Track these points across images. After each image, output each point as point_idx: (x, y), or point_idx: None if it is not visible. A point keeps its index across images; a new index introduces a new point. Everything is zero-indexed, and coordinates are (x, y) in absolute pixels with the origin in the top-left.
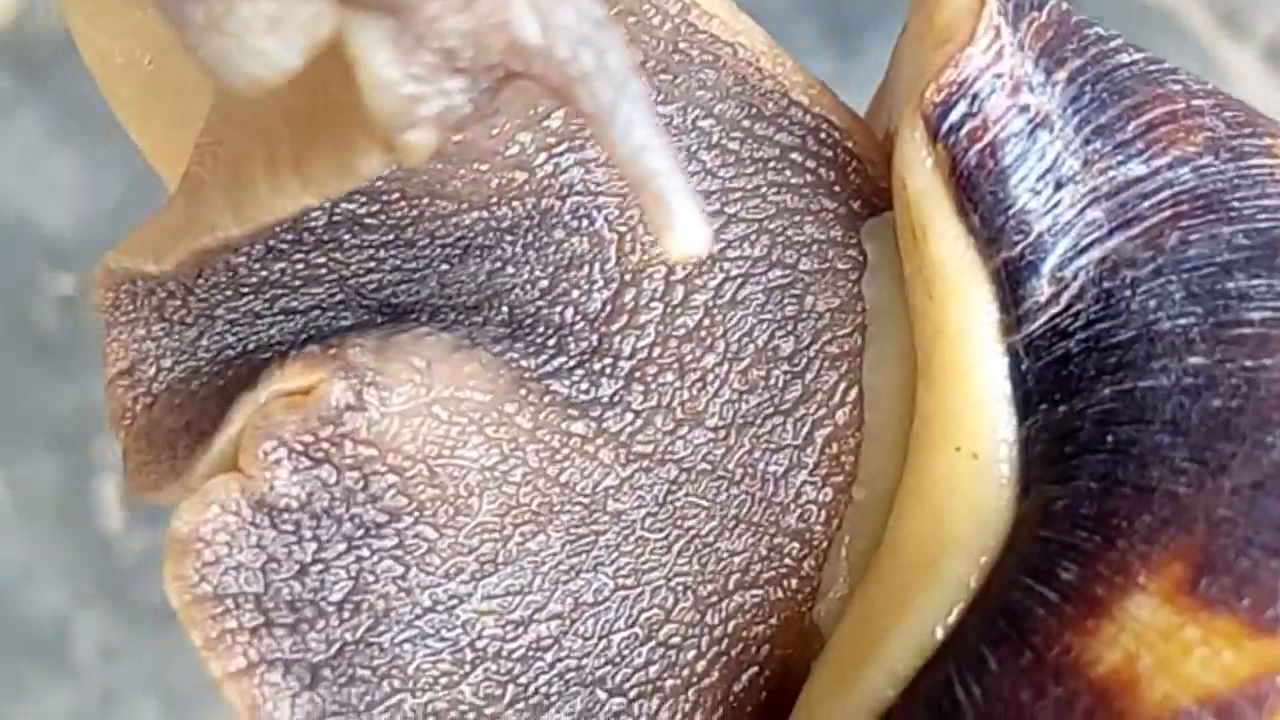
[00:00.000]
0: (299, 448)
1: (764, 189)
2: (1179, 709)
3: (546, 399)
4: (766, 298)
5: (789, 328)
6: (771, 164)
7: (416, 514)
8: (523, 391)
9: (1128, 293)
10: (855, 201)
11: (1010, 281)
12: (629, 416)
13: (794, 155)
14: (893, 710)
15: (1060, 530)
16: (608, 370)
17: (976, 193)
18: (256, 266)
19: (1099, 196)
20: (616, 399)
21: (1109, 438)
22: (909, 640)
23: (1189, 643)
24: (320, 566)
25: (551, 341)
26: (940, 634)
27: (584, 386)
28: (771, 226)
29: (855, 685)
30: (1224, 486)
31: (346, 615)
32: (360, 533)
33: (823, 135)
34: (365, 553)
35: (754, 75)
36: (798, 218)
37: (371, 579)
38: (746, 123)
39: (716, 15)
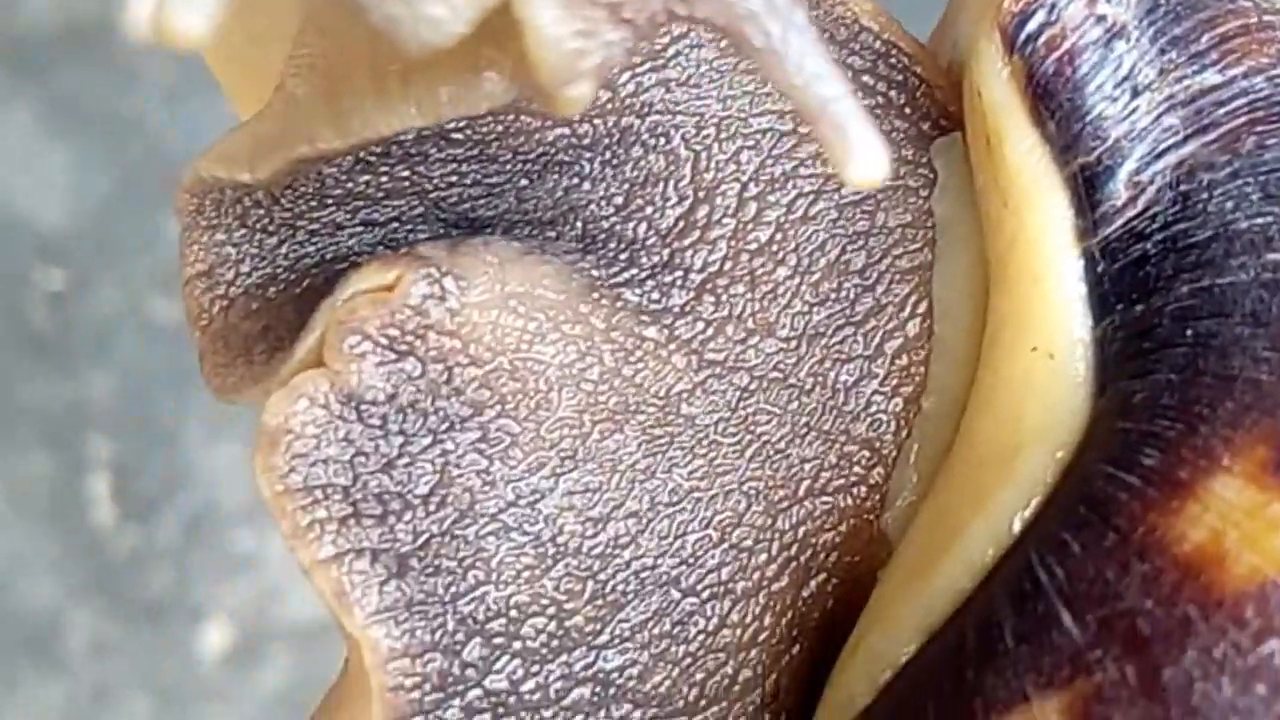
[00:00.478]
0: (384, 341)
1: None
2: (1266, 580)
3: (619, 304)
4: (839, 214)
5: (860, 243)
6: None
7: (499, 407)
8: (595, 295)
9: (1205, 195)
10: (924, 122)
11: (1087, 187)
12: (700, 325)
13: (865, 79)
14: (972, 599)
15: (1140, 420)
16: (679, 282)
17: (1053, 101)
18: (344, 178)
19: (1175, 104)
20: (688, 309)
21: (1188, 332)
22: (986, 533)
23: (1274, 519)
24: (406, 460)
25: (624, 255)
26: (1018, 526)
27: (655, 296)
28: None
29: (931, 581)
30: None
31: (432, 508)
32: (445, 426)
33: (892, 60)
34: (450, 446)
35: (826, 2)
36: None
37: (456, 473)
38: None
39: None
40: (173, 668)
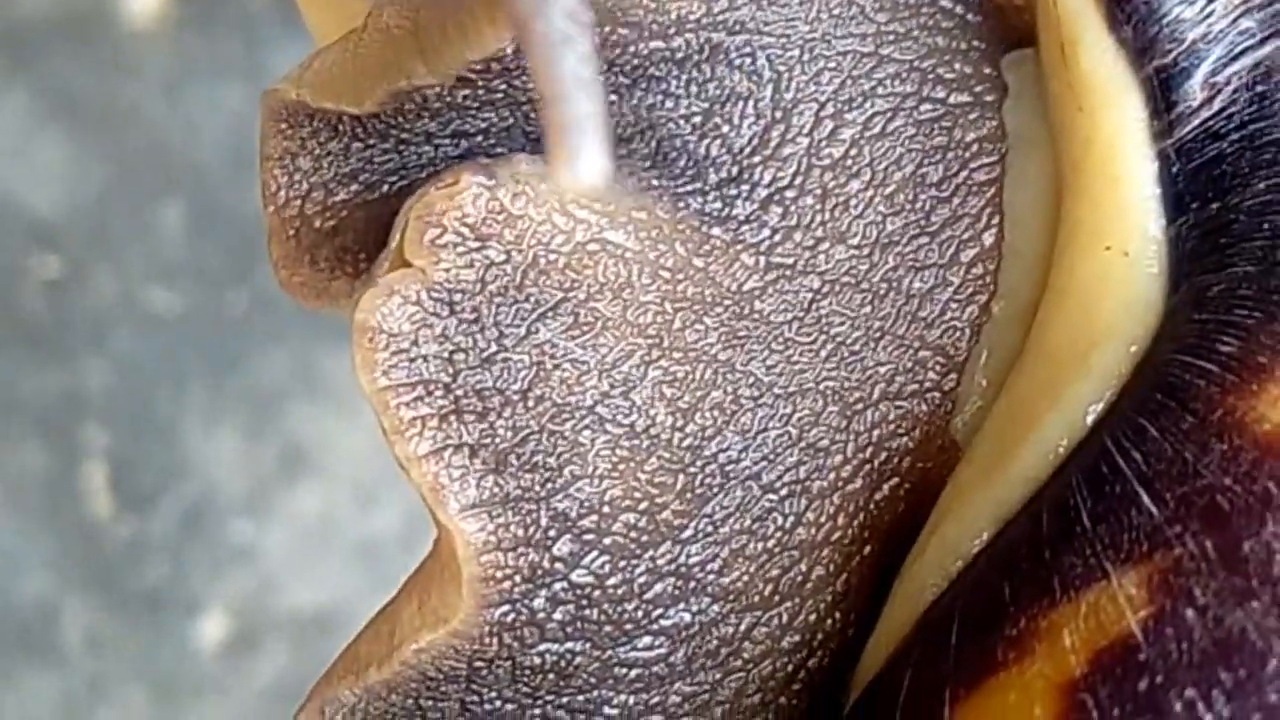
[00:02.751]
0: (464, 231)
1: (915, 31)
2: None
3: (681, 205)
4: (916, 129)
5: (937, 157)
6: (923, 8)
7: (585, 289)
8: (659, 195)
9: None
10: (996, 38)
11: (1162, 88)
12: (766, 231)
13: (943, 1)
14: (1045, 488)
15: (1217, 311)
16: (744, 194)
17: (1129, 5)
18: (444, 92)
19: (1251, 7)
20: (752, 217)
21: (1265, 226)
22: (1061, 424)
23: None
24: (503, 353)
25: (691, 170)
26: (1091, 418)
27: (718, 205)
28: (922, 65)
29: (1005, 473)
30: None
31: (530, 403)
32: (536, 312)
33: None
34: (543, 334)
35: None
36: (947, 57)
37: (551, 363)
38: None
39: None
40: (169, 659)
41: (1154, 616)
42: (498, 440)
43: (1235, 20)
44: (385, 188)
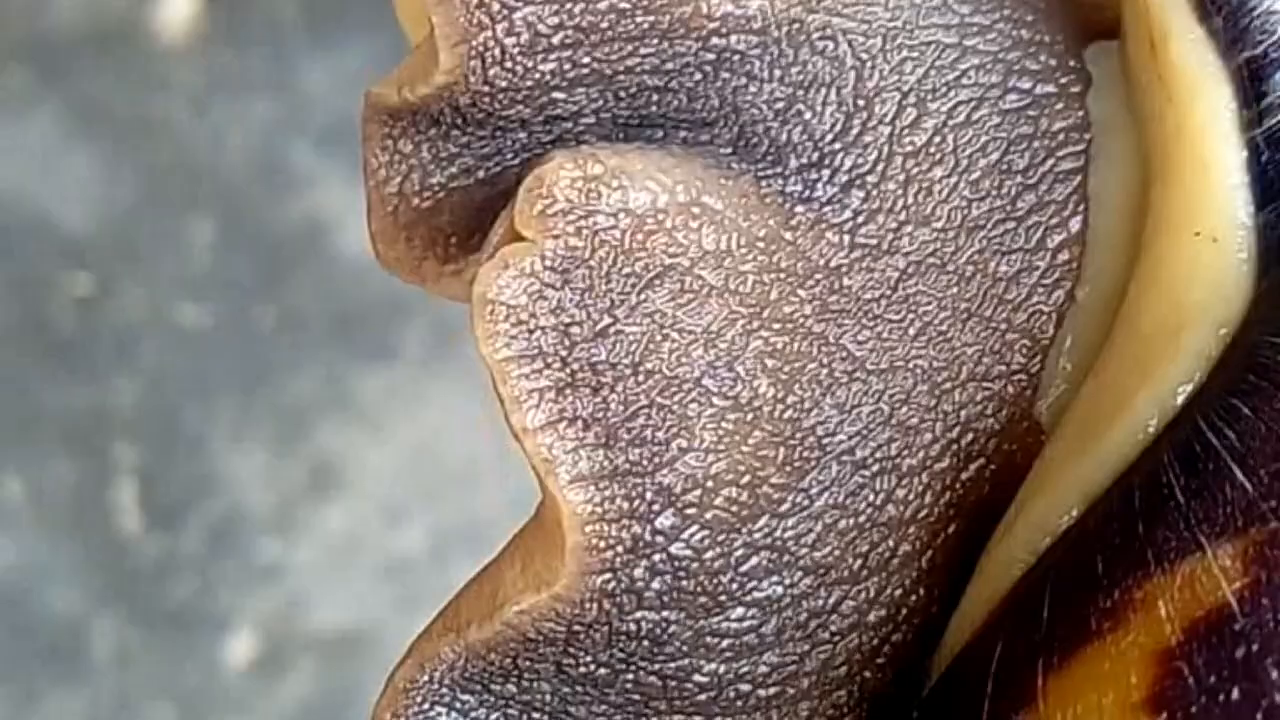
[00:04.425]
0: (574, 198)
1: (999, 24)
2: None
3: (764, 186)
4: (1001, 119)
5: (1022, 145)
6: (1006, 2)
7: (690, 257)
8: (738, 175)
9: None
10: (1080, 30)
11: (1252, 79)
12: (848, 213)
13: None
14: (1136, 465)
15: None
16: (825, 179)
17: None
18: (532, 66)
19: None
20: (834, 199)
21: None
22: (1152, 404)
23: None
24: (615, 324)
25: (771, 155)
26: (1181, 399)
27: (798, 187)
28: (1007, 57)
29: (1094, 452)
30: None
31: (642, 377)
32: (645, 278)
33: None
34: (652, 302)
35: None
36: (1033, 49)
37: (660, 334)
38: None
39: None
40: (196, 677)
41: (1249, 587)
42: (609, 414)
43: None
44: (481, 173)
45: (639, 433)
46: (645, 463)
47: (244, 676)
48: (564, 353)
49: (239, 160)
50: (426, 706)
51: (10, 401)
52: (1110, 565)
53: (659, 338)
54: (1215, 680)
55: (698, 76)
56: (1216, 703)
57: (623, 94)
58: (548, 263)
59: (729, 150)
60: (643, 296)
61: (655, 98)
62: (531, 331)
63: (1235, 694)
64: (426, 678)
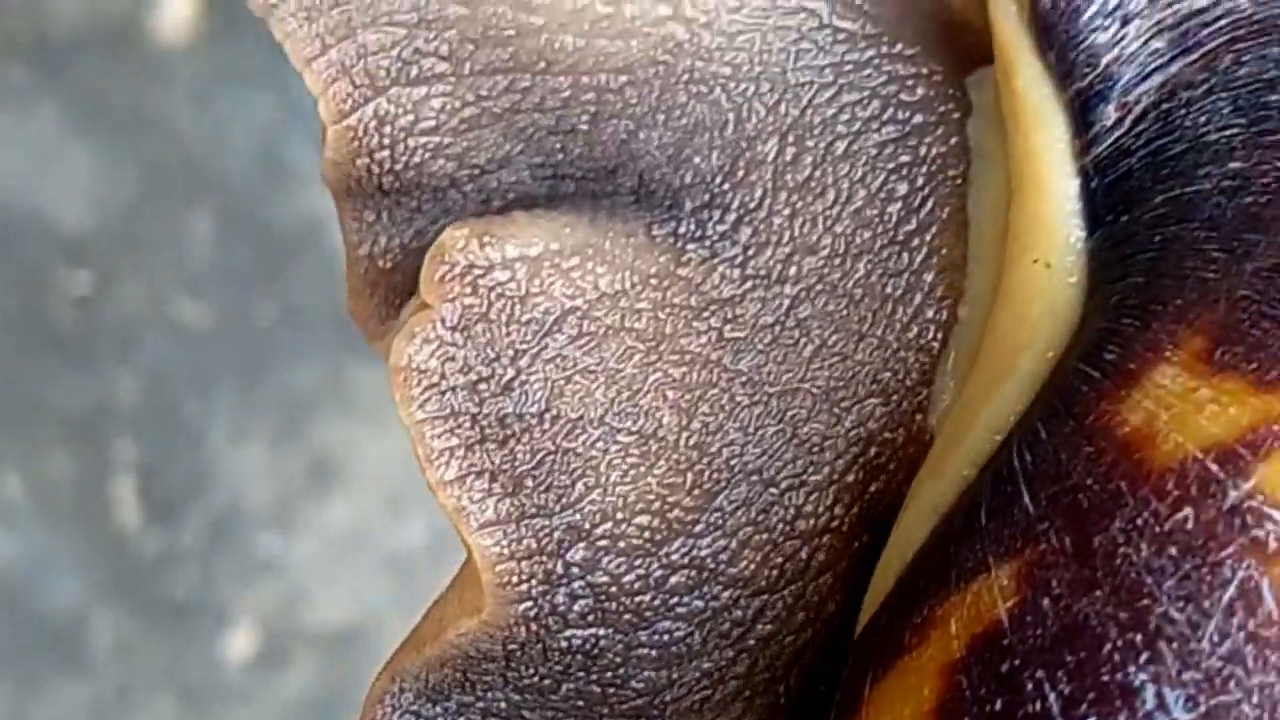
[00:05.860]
0: (468, 260)
1: (876, 60)
2: (1187, 455)
3: (655, 230)
4: (879, 150)
5: (904, 173)
6: (883, 37)
7: (588, 300)
8: (632, 219)
9: (1183, 112)
10: (967, 57)
11: (1082, 109)
12: (738, 248)
13: (904, 26)
14: (969, 486)
15: (1111, 319)
16: (715, 218)
17: (1052, 33)
18: (415, 118)
19: (1162, 28)
20: (725, 235)
21: (1157, 238)
22: (990, 425)
23: (1200, 401)
24: (519, 376)
25: (668, 201)
26: (1013, 419)
27: (692, 227)
28: (884, 91)
29: (946, 472)
30: (1246, 270)
31: (548, 424)
32: (545, 325)
33: (923, 4)
34: (554, 348)
35: None
36: (909, 82)
37: (563, 379)
38: (859, 1)
39: None
40: (197, 670)
41: (1018, 605)
42: (516, 464)
43: (1147, 42)
44: (431, 234)
45: (545, 478)
46: (552, 504)
47: (244, 670)
48: (474, 409)
49: (238, 157)
50: (397, 716)
51: (10, 396)
52: (927, 583)
53: (563, 382)
54: (985, 692)
55: (585, 117)
56: (984, 713)
57: (524, 135)
58: (448, 324)
59: (631, 199)
60: (543, 343)
61: (557, 143)
62: (443, 393)
63: (999, 705)
64: (396, 688)
